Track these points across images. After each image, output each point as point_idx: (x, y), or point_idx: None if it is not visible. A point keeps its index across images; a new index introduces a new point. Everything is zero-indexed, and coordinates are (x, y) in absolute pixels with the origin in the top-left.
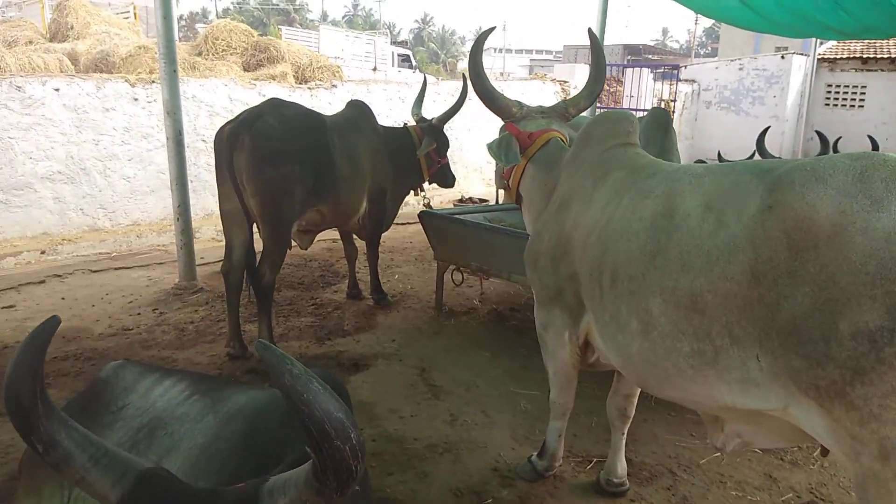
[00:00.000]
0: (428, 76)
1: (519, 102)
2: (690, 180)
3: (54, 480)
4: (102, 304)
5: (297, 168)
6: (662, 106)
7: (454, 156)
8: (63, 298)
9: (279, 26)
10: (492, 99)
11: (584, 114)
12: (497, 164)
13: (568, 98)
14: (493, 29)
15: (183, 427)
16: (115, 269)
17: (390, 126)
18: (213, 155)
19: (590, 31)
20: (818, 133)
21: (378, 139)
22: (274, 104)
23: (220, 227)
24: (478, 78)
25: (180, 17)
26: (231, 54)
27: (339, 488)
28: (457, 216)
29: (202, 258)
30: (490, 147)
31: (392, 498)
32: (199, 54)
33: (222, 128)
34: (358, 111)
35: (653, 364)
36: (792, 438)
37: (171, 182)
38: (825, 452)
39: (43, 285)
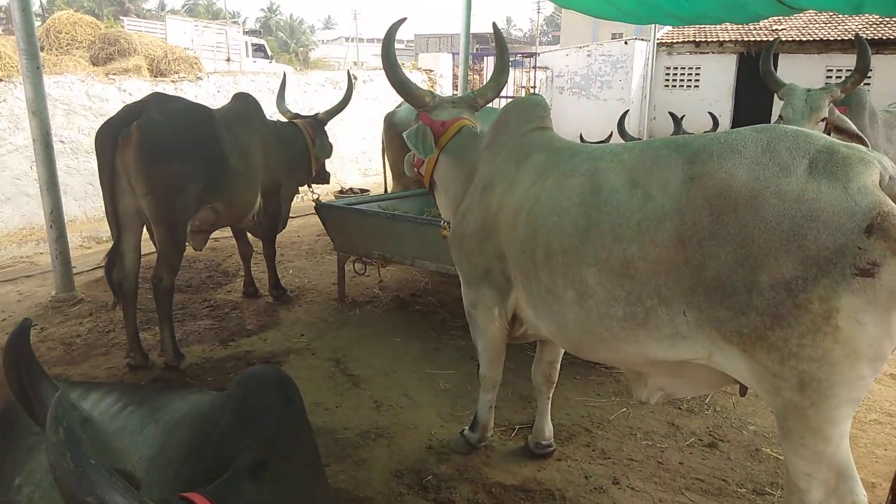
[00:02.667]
0: (285, 66)
1: (431, 92)
2: (612, 158)
3: None
4: None
5: (189, 164)
6: (524, 94)
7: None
8: None
9: (118, 17)
10: (406, 89)
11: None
12: (408, 153)
13: (476, 89)
14: (404, 20)
15: (123, 441)
16: None
17: (278, 120)
18: (71, 156)
19: (494, 25)
20: (671, 114)
21: (269, 133)
22: (158, 98)
23: (86, 234)
24: (392, 69)
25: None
26: (77, 48)
27: None
28: (356, 206)
29: (75, 267)
30: (408, 136)
31: (336, 488)
32: (42, 49)
33: (104, 125)
34: (246, 104)
35: (588, 330)
36: (711, 384)
37: (41, 187)
38: (743, 392)
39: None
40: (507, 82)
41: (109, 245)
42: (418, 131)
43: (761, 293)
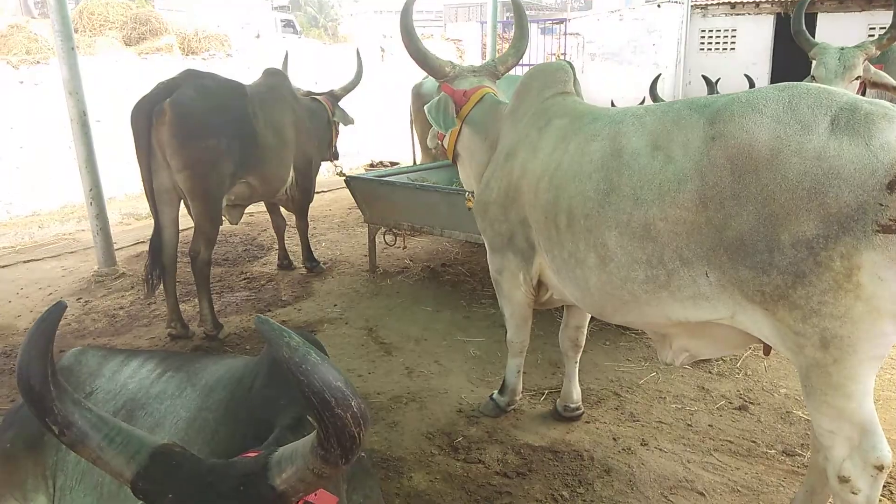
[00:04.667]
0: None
1: (451, 62)
2: (633, 121)
3: (35, 468)
4: (19, 298)
5: (222, 140)
6: (555, 60)
7: (371, 122)
8: None
9: None
10: (425, 60)
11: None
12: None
13: (497, 57)
14: None
15: (163, 404)
16: (25, 262)
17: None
18: (109, 135)
19: None
20: (704, 77)
21: (299, 107)
22: (191, 74)
23: (125, 211)
24: (410, 40)
25: None
26: (109, 29)
27: (343, 455)
28: (384, 178)
29: (115, 242)
30: (428, 110)
31: (368, 448)
32: (75, 31)
33: (138, 103)
34: (277, 79)
35: (610, 294)
36: (735, 345)
37: (80, 166)
38: (767, 352)
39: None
40: (526, 48)
41: (148, 221)
42: (439, 104)
43: (783, 252)
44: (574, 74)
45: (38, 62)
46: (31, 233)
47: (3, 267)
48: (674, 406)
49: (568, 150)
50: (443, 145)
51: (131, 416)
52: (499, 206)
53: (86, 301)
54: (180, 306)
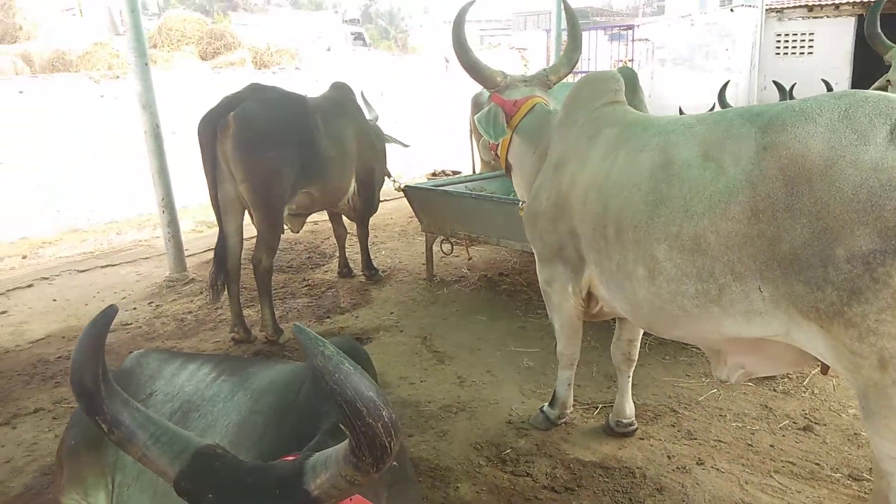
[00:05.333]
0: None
1: (503, 72)
2: (683, 131)
3: (96, 466)
4: (96, 301)
5: (284, 151)
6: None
7: (434, 132)
8: (55, 300)
9: (225, 12)
10: (477, 70)
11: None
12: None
13: (548, 66)
14: (473, 2)
15: (216, 407)
16: (102, 267)
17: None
18: (183, 146)
19: (564, 1)
20: (775, 83)
21: (363, 119)
22: (254, 88)
23: (199, 219)
24: (462, 50)
25: (119, 12)
26: (186, 44)
27: (374, 463)
28: (442, 188)
29: (187, 249)
30: (479, 121)
31: (416, 457)
32: (154, 47)
33: (205, 116)
34: (341, 92)
35: (659, 308)
36: (792, 362)
37: (152, 176)
38: (825, 370)
39: (32, 289)
40: (579, 58)
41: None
42: (489, 114)
43: (838, 267)
44: (636, 82)
45: (118, 77)
46: (109, 239)
47: (83, 272)
48: (734, 425)
49: (617, 160)
50: (496, 154)
51: (186, 417)
52: (548, 217)
53: (157, 305)
54: (244, 312)
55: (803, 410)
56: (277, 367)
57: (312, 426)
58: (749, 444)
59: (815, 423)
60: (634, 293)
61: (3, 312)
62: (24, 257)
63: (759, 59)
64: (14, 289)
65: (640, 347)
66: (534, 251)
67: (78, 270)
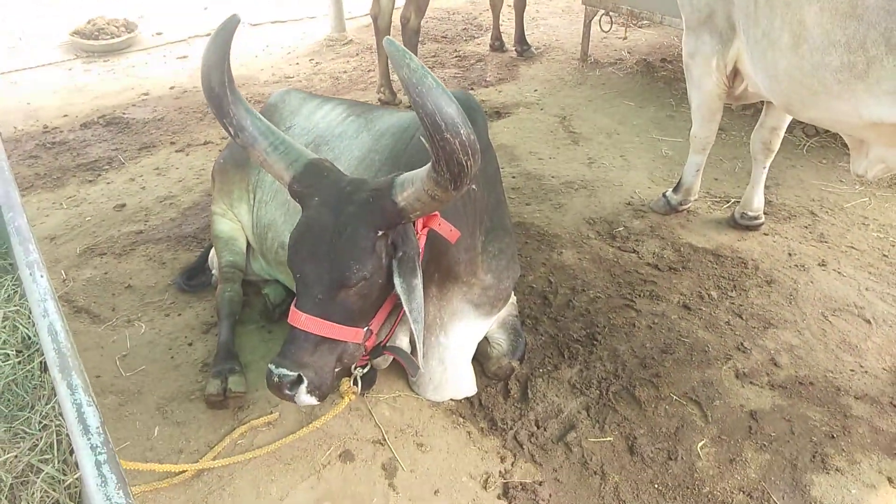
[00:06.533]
0: None
1: None
2: None
3: (241, 183)
4: (264, 55)
5: None
6: None
7: None
8: None
9: None
10: None
11: None
12: None
13: None
14: None
15: (343, 143)
16: (272, 22)
17: None
18: None
19: None
20: None
21: None
22: None
23: None
24: None
25: None
26: None
27: (452, 180)
28: None
29: (349, 12)
30: None
31: (529, 223)
32: None
33: None
34: None
35: (799, 81)
36: None
37: None
38: None
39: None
40: None
41: None
42: None
43: None
44: None
45: None
46: None
47: (255, 25)
48: (875, 234)
49: None
50: None
51: (317, 149)
52: None
53: (316, 62)
54: (393, 76)
55: None
56: (399, 114)
57: (420, 166)
58: (885, 255)
59: None
60: (775, 65)
61: (184, 57)
62: (205, 8)
63: None
64: (194, 36)
65: (798, 148)
66: (682, 16)
67: (251, 24)
